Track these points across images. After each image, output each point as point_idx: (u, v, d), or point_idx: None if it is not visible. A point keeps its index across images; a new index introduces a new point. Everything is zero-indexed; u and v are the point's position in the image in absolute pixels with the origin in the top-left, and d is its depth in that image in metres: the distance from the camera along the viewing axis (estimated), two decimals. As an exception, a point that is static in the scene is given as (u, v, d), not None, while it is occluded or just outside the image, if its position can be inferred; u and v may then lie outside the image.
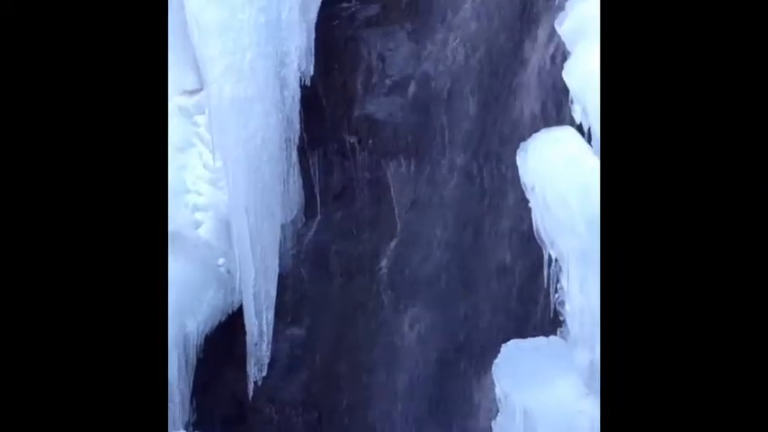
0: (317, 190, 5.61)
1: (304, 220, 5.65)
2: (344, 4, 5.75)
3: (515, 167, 4.32)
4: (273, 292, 5.21)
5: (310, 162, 5.63)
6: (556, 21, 3.90)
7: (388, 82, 5.54)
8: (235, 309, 5.37)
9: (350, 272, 5.53)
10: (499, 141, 5.08)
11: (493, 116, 5.12)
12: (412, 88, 5.47)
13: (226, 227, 5.38)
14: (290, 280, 5.49)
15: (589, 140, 3.89)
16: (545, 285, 4.18)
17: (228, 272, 5.35)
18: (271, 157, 5.20)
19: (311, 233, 5.62)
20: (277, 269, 5.26)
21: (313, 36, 5.43)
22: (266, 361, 5.28)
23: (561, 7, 3.99)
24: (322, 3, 5.57)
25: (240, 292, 5.18)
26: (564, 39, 3.93)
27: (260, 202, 5.14)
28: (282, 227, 5.39)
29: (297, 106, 5.34)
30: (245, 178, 5.12)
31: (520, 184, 4.28)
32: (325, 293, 5.56)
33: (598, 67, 3.70)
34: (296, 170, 5.46)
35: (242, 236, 5.11)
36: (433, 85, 5.38)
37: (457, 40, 5.34)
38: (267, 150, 5.18)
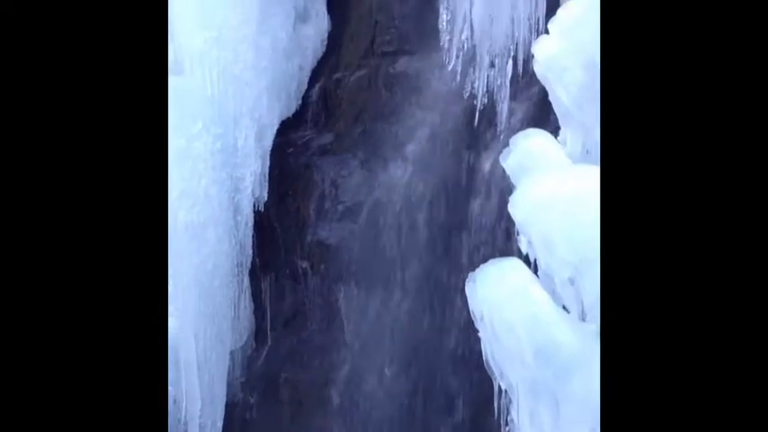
0: (267, 315, 5.57)
1: (254, 346, 5.58)
2: (299, 133, 5.88)
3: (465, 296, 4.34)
4: (220, 423, 5.08)
5: (262, 287, 5.61)
6: (501, 155, 4.03)
7: (340, 208, 5.61)
8: (181, 440, 5.22)
9: (300, 400, 5.42)
10: (450, 270, 5.13)
11: (443, 245, 5.19)
12: (364, 214, 5.54)
13: (174, 353, 5.28)
14: (237, 409, 5.36)
15: (535, 271, 3.94)
16: (495, 417, 4.13)
17: (174, 401, 5.22)
18: (222, 283, 5.18)
19: (261, 360, 5.53)
20: (224, 398, 5.14)
21: (268, 163, 5.53)
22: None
23: (506, 143, 4.14)
24: (277, 130, 5.70)
25: (186, 423, 5.03)
26: (509, 173, 4.05)
27: (209, 329, 5.08)
28: (232, 353, 5.31)
29: (250, 231, 5.36)
30: (196, 304, 5.06)
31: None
32: (275, 423, 5.43)
33: (543, 200, 3.83)
34: (247, 295, 5.43)
35: (189, 363, 5.01)
36: (385, 212, 5.46)
37: (408, 170, 5.46)
38: (219, 275, 5.16)
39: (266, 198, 5.47)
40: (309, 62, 5.98)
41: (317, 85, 6.03)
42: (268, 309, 5.58)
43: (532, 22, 4.47)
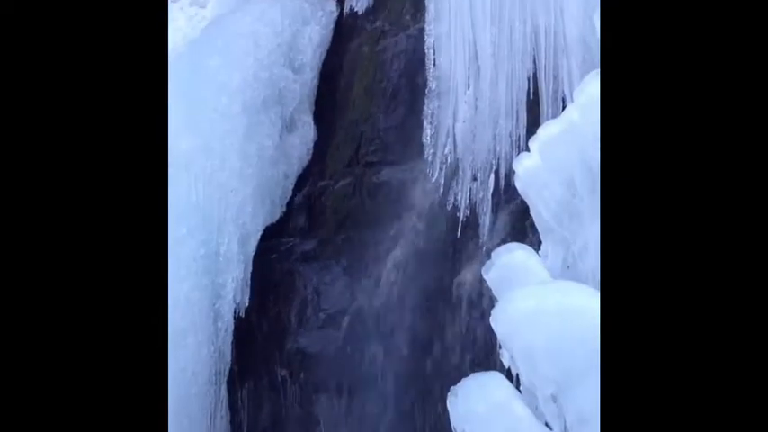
0: (245, 426, 5.44)
1: (230, 457, 5.45)
2: (283, 239, 5.91)
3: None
4: None
5: (240, 395, 5.51)
6: (483, 268, 4.06)
7: (322, 315, 5.58)
8: None
9: None
10: (432, 380, 5.07)
11: (426, 355, 5.15)
12: (346, 322, 5.51)
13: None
14: None
15: (518, 386, 3.91)
16: None
17: None
18: (200, 391, 5.09)
19: (236, 472, 5.39)
20: None
21: (250, 269, 5.53)
22: None
23: (488, 255, 4.19)
24: (261, 236, 5.73)
25: None
26: (491, 286, 4.07)
27: (184, 440, 4.97)
28: (207, 465, 5.18)
29: (230, 338, 5.32)
30: (172, 413, 4.94)
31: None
32: None
33: (524, 315, 3.83)
34: (224, 404, 5.33)
35: (163, 476, 4.86)
36: (367, 320, 5.43)
37: (391, 278, 5.47)
38: (196, 384, 5.08)
39: (247, 304, 5.45)
40: (295, 170, 6.07)
41: (302, 193, 6.10)
42: (245, 419, 5.47)
43: (514, 138, 4.59)
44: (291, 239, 5.88)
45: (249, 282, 5.50)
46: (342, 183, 6.02)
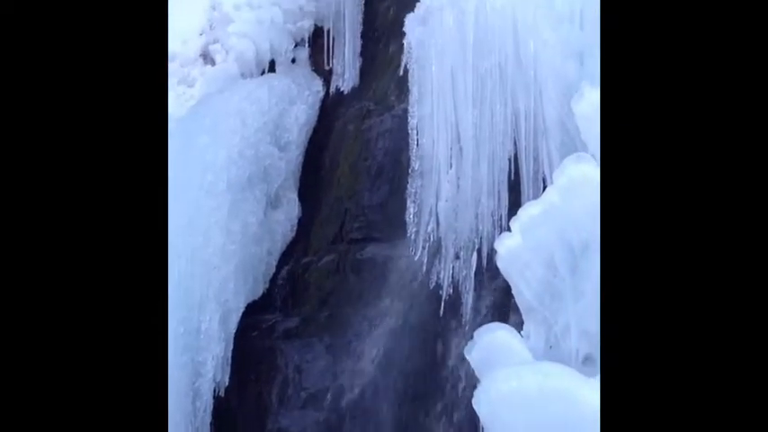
0: None
1: None
2: (265, 316, 5.87)
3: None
4: None
5: (217, 480, 5.38)
6: (465, 349, 4.04)
7: (303, 395, 5.50)
8: None
9: None
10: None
11: (408, 437, 5.07)
12: (327, 402, 5.42)
13: None
14: None
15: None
16: None
17: None
18: (176, 474, 4.97)
19: None
20: None
21: (231, 347, 5.47)
22: None
23: (471, 334, 4.17)
24: (243, 314, 5.69)
25: None
26: (473, 366, 4.04)
27: None
28: None
29: (208, 418, 5.23)
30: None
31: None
32: None
33: (506, 397, 3.79)
34: (201, 487, 5.21)
35: None
36: (349, 399, 5.35)
37: (373, 356, 5.42)
38: (173, 466, 4.96)
39: (227, 383, 5.37)
40: (279, 246, 6.07)
41: (286, 269, 6.09)
42: (224, 502, 5.34)
43: (495, 218, 4.62)
44: (273, 316, 5.84)
45: (230, 360, 5.43)
46: (326, 259, 6.02)
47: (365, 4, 7.45)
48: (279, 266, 6.07)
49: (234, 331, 5.53)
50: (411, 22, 4.88)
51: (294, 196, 6.28)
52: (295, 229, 6.21)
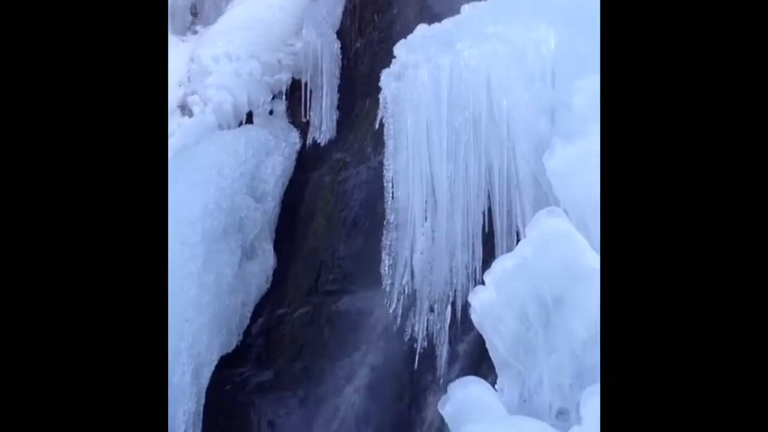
0: None
1: None
2: (239, 369, 5.80)
3: None
4: None
5: None
6: (439, 403, 4.02)
7: (276, 451, 5.43)
8: None
9: None
10: None
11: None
12: (301, 457, 5.35)
13: None
14: None
15: None
16: None
17: None
18: None
19: None
20: None
21: (203, 401, 5.39)
22: None
23: (445, 388, 4.15)
24: (216, 367, 5.62)
25: None
26: (447, 421, 4.02)
27: None
28: None
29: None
30: None
31: None
32: None
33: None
34: None
35: None
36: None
37: (348, 410, 5.37)
38: None
39: (199, 438, 5.28)
40: (253, 298, 6.04)
41: (260, 321, 6.05)
42: None
43: (470, 271, 4.64)
44: (247, 370, 5.78)
45: (201, 415, 5.35)
46: (300, 311, 5.99)
47: (342, 59, 7.56)
48: (253, 318, 6.03)
49: (206, 385, 5.46)
50: (387, 78, 4.95)
51: (269, 247, 6.27)
52: (270, 280, 6.19)
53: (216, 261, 5.72)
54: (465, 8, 4.96)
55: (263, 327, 6.00)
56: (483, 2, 4.95)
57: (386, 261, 5.07)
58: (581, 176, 3.70)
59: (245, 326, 5.95)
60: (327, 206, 6.54)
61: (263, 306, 6.12)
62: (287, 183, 6.83)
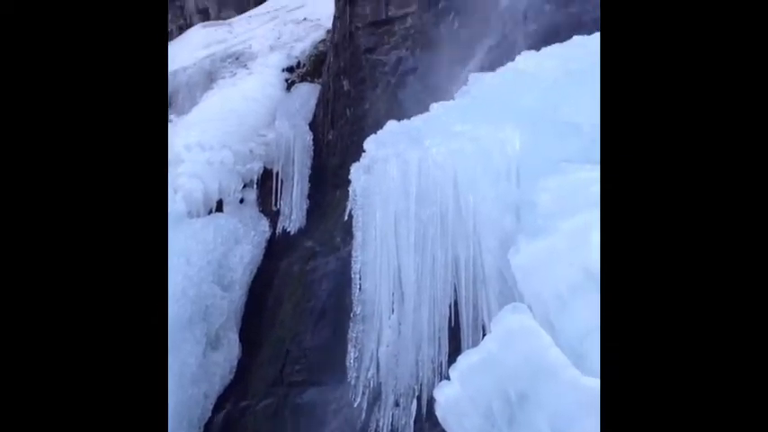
0: None
1: None
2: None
3: None
4: None
5: None
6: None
7: None
8: None
9: None
10: None
11: None
12: None
13: None
14: None
15: None
16: None
17: None
18: None
19: None
20: None
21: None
22: None
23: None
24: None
25: None
26: None
27: None
28: None
29: None
30: None
31: None
32: None
33: None
34: None
35: None
36: None
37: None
38: None
39: None
40: (216, 389, 5.94)
41: (222, 413, 5.93)
42: None
43: (435, 365, 4.63)
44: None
45: None
46: (264, 403, 5.89)
47: (314, 150, 7.68)
48: (215, 410, 5.91)
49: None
50: (356, 171, 5.04)
51: (235, 336, 6.22)
52: (234, 370, 6.11)
53: (180, 350, 5.65)
54: (434, 106, 5.10)
55: (225, 419, 5.88)
56: (451, 101, 5.11)
57: (351, 353, 5.04)
58: (545, 273, 3.76)
59: (207, 418, 5.83)
60: (295, 295, 6.52)
61: (227, 397, 6.02)
62: (255, 271, 6.82)
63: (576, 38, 5.11)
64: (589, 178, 3.85)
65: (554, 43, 5.12)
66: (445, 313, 4.64)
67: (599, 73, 3.80)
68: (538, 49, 5.19)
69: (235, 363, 6.12)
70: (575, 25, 5.36)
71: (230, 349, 6.12)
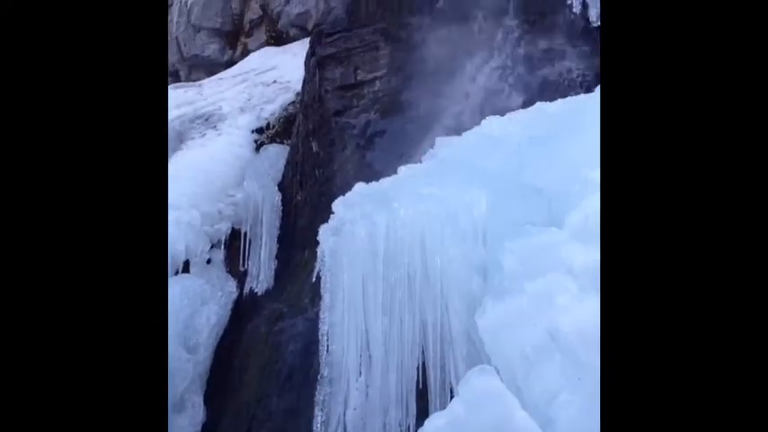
0: None
1: None
2: None
3: None
4: None
5: None
6: None
7: None
8: None
9: None
10: None
11: None
12: None
13: None
14: None
15: None
16: None
17: None
18: None
19: None
20: None
21: None
22: None
23: None
24: None
25: None
26: None
27: None
28: None
29: None
30: None
31: None
32: None
33: None
34: None
35: None
36: None
37: None
38: None
39: None
40: (180, 457, 5.83)
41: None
42: None
43: (403, 428, 4.57)
44: None
45: None
46: (230, 469, 5.79)
47: (283, 211, 7.70)
48: (179, 476, 5.79)
49: None
50: (325, 233, 5.06)
51: (199, 400, 6.12)
52: (199, 437, 6.00)
53: (143, 414, 5.53)
54: (402, 169, 5.18)
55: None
56: (419, 164, 5.19)
57: (319, 416, 4.98)
58: (511, 335, 3.79)
59: (170, 484, 5.70)
60: (261, 358, 6.46)
61: (191, 464, 5.90)
62: (221, 333, 6.75)
63: (538, 104, 5.25)
64: (553, 241, 3.92)
65: (517, 109, 5.26)
66: (413, 376, 4.63)
67: (562, 137, 3.90)
68: (502, 113, 5.31)
69: (199, 427, 6.01)
70: (537, 92, 5.51)
71: (195, 413, 6.02)
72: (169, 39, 11.89)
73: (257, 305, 7.08)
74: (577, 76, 5.89)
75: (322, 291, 5.16)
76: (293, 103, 9.11)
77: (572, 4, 5.82)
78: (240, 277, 7.37)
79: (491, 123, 5.20)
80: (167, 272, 2.91)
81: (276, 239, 7.54)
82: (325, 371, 5.01)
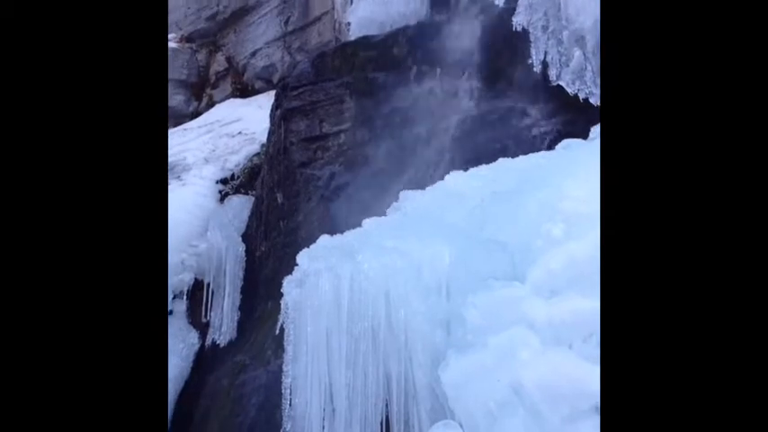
0: None
1: None
2: None
3: None
4: None
5: None
6: None
7: None
8: None
9: None
10: None
11: None
12: None
13: None
14: None
15: None
16: None
17: None
18: None
19: None
20: None
21: None
22: None
23: None
24: None
25: None
26: None
27: None
28: None
29: None
30: None
31: None
32: None
33: None
34: None
35: None
36: None
37: None
38: None
39: None
40: None
41: None
42: None
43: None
44: None
45: None
46: None
47: (246, 261, 7.69)
48: None
49: None
50: (288, 284, 5.06)
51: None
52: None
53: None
54: (366, 222, 5.22)
55: None
56: (383, 217, 5.24)
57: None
58: (475, 389, 3.81)
59: None
60: (223, 410, 6.38)
61: None
62: (182, 385, 6.67)
63: (501, 160, 5.36)
64: (515, 295, 3.98)
65: (480, 165, 5.36)
66: (376, 429, 4.61)
67: (525, 193, 3.97)
68: (465, 168, 5.41)
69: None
70: (499, 149, 5.62)
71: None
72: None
73: (219, 357, 7.02)
74: (539, 134, 6.03)
75: (285, 343, 5.15)
76: (258, 154, 9.16)
77: (532, 63, 5.98)
78: (202, 329, 7.32)
79: (455, 178, 5.29)
80: (168, 271, 2.95)
81: (239, 290, 7.51)
82: (287, 425, 4.97)
